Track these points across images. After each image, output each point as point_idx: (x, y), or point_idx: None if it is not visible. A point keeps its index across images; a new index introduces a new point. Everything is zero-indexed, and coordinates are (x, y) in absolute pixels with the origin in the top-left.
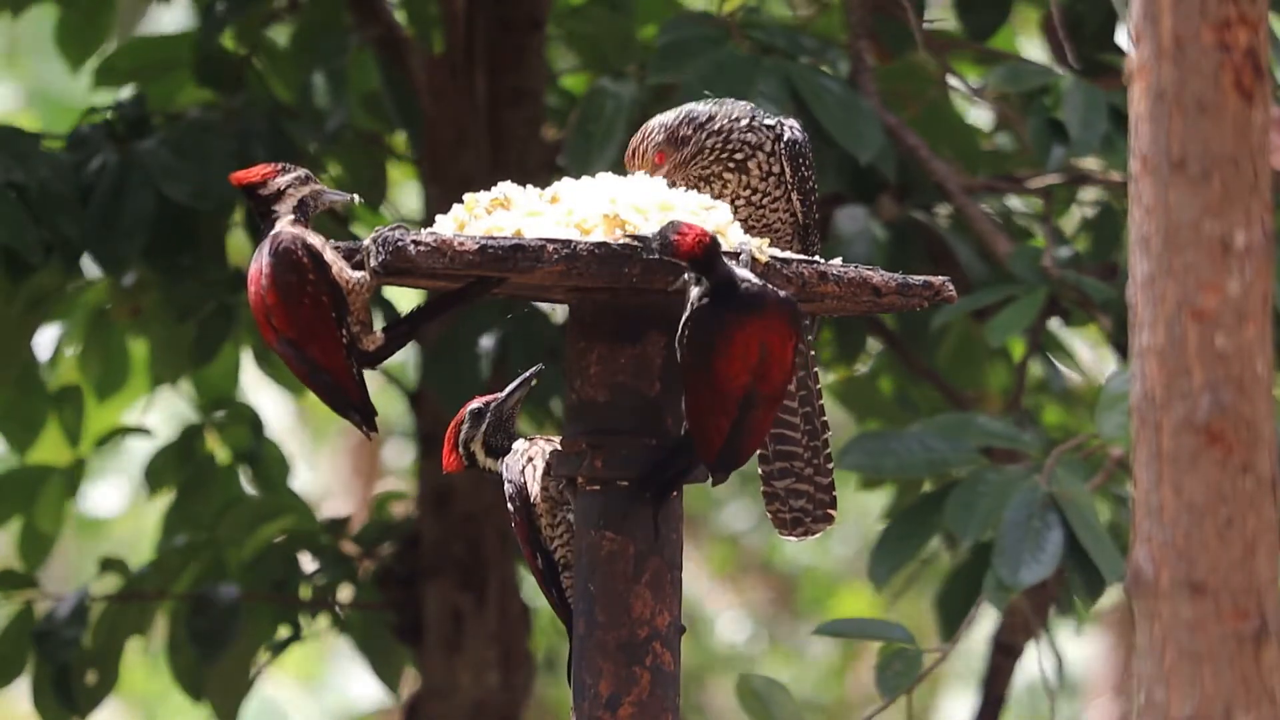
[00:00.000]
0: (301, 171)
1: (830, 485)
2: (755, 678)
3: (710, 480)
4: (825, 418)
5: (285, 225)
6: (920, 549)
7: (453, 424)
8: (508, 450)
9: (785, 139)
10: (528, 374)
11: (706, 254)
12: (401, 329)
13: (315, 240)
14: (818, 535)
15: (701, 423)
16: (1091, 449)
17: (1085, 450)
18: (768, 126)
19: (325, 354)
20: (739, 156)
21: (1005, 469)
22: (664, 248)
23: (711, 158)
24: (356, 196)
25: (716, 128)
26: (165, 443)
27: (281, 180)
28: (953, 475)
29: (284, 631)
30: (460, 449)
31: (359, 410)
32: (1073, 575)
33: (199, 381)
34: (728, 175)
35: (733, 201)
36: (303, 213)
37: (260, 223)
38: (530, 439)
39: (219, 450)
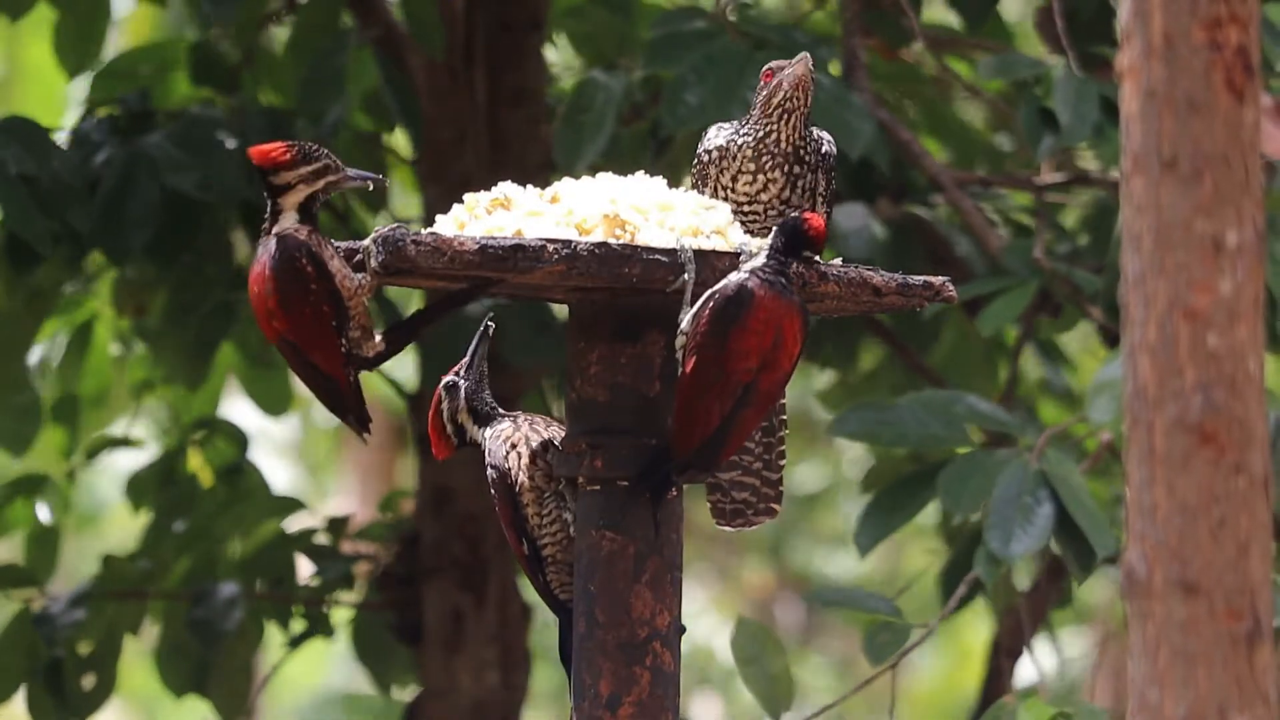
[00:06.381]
0: (320, 163)
1: (779, 481)
2: (751, 623)
3: (680, 478)
4: (785, 416)
5: (290, 225)
6: (907, 521)
7: (432, 409)
8: (493, 412)
9: (823, 151)
10: (481, 329)
11: (808, 243)
12: (402, 333)
13: (321, 248)
14: (756, 527)
15: (692, 407)
16: (1082, 435)
17: (1077, 437)
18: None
19: (326, 360)
20: (795, 171)
21: (997, 451)
22: (794, 231)
23: (789, 150)
24: (380, 178)
25: (816, 137)
26: (150, 460)
27: (293, 174)
28: (945, 453)
29: (290, 632)
30: (448, 426)
31: (355, 414)
32: (1065, 549)
33: (181, 401)
34: (774, 178)
35: (766, 208)
36: (308, 210)
37: (267, 205)
38: (513, 418)
39: (201, 472)
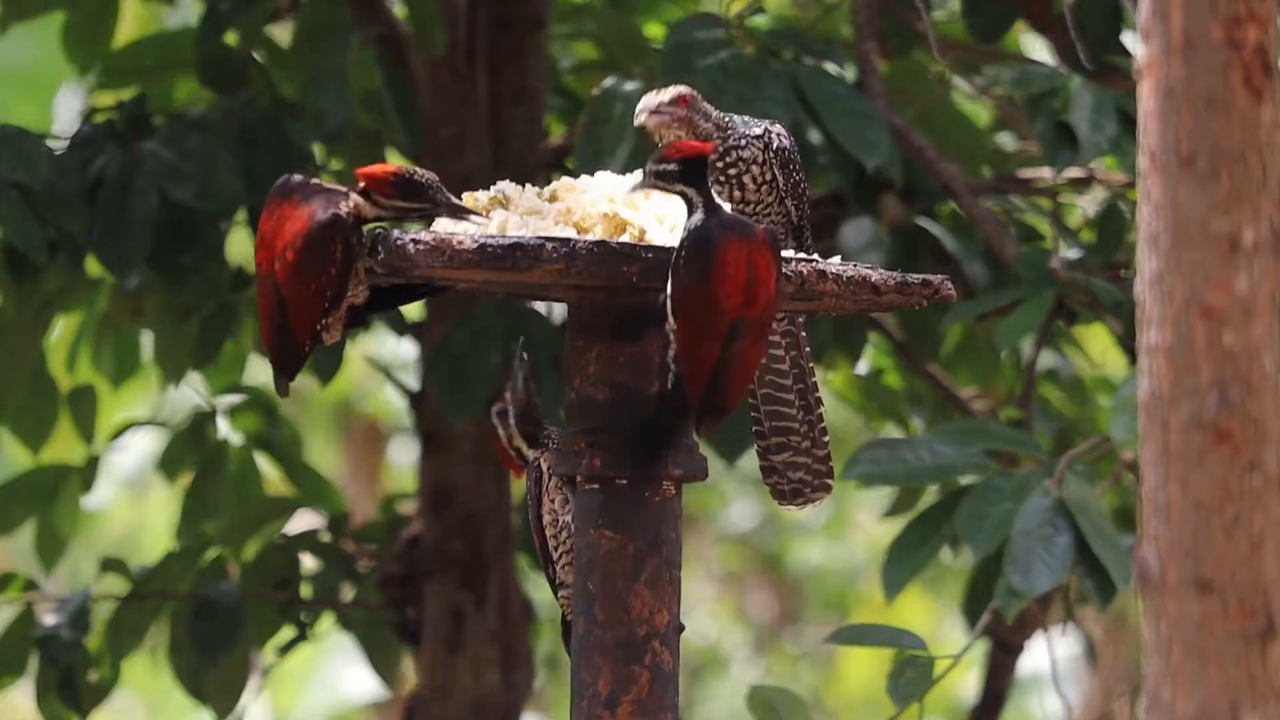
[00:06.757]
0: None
1: (827, 457)
2: (766, 688)
3: (698, 429)
4: (819, 394)
5: (345, 205)
6: (932, 556)
7: (494, 439)
8: (539, 433)
9: (774, 147)
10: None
11: (699, 162)
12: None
13: (355, 236)
14: (818, 503)
15: (694, 353)
16: (1102, 453)
17: (1095, 454)
18: (755, 137)
19: (298, 322)
20: (732, 172)
21: (1014, 473)
22: (660, 159)
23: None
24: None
25: (725, 145)
26: (176, 430)
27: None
28: (960, 482)
29: (290, 632)
30: (511, 451)
31: (288, 374)
32: (1084, 580)
33: (207, 372)
34: (718, 188)
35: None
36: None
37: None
38: (546, 436)
39: (232, 435)
